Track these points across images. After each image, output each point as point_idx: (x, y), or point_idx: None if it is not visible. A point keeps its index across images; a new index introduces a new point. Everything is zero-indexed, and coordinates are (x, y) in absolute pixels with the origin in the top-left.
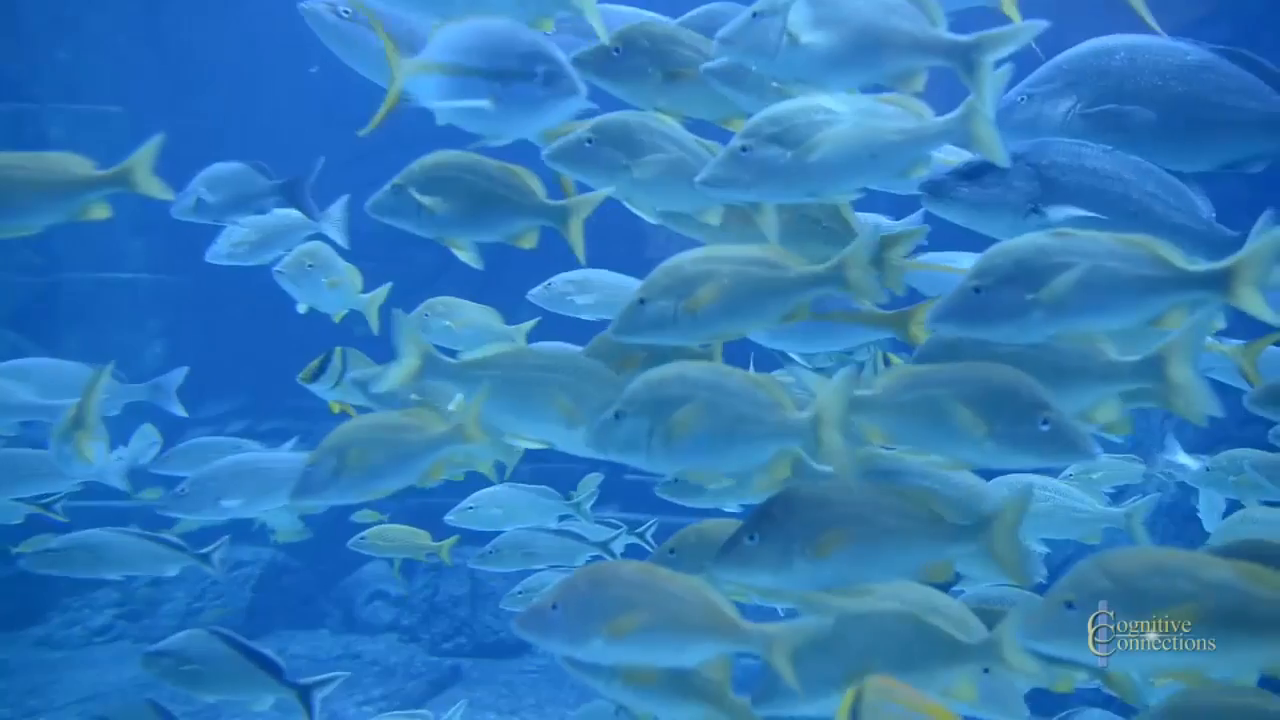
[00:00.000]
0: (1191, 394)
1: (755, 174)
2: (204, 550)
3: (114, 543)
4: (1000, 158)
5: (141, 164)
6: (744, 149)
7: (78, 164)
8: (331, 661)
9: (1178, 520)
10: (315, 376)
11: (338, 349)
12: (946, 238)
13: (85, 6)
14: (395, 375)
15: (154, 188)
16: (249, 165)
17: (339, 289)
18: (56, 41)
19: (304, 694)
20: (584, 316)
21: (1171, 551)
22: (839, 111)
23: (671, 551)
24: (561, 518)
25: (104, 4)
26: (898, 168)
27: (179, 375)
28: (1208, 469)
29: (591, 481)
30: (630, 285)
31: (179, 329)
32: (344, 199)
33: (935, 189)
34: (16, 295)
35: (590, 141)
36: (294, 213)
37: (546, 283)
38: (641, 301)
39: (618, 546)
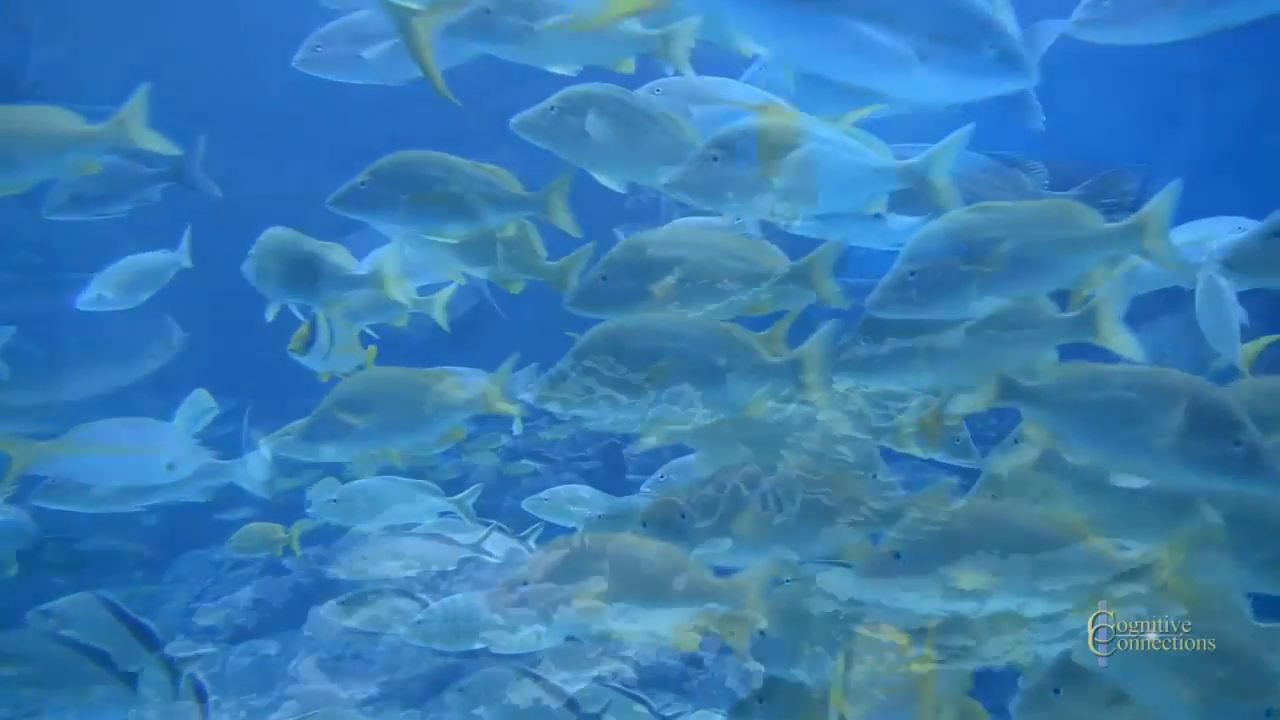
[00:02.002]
0: (1119, 343)
1: (721, 184)
2: None
3: None
4: (954, 208)
5: (133, 116)
6: (714, 158)
7: (66, 119)
8: (331, 662)
9: None
10: (306, 347)
11: (321, 314)
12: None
13: (85, 6)
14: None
15: (149, 140)
16: (119, 157)
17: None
18: (57, 41)
19: (173, 667)
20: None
21: (993, 503)
22: (812, 135)
23: (644, 525)
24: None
25: (104, 4)
26: (857, 201)
27: (4, 333)
28: None
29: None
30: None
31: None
32: (188, 229)
33: None
34: (16, 295)
35: (554, 109)
36: (160, 255)
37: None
38: (604, 278)
39: (499, 550)
